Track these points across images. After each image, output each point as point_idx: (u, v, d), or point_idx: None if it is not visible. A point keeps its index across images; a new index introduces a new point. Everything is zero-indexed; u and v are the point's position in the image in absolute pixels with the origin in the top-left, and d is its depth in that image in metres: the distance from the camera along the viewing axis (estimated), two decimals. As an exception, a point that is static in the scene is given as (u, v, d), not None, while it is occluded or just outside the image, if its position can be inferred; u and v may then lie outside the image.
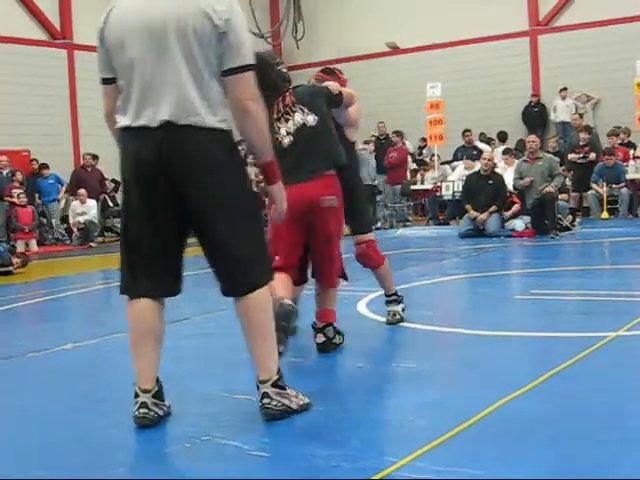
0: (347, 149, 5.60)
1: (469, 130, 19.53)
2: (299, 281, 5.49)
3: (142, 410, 3.85)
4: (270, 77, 5.05)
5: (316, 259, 5.48)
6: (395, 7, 23.27)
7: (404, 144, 20.01)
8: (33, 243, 17.35)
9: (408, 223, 18.80)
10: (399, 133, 19.86)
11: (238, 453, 3.47)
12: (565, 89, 20.52)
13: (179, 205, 3.75)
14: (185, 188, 3.71)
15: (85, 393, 4.75)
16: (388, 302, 6.32)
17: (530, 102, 21.56)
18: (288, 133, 5.15)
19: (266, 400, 3.82)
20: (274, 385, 3.84)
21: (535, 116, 21.35)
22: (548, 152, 15.96)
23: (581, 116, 19.22)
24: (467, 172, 16.29)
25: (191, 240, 3.94)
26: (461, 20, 22.06)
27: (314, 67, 24.45)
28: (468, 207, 14.55)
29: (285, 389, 3.88)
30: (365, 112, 21.90)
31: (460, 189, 16.19)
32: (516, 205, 14.47)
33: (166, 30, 3.66)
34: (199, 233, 3.87)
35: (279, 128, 5.14)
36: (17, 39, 19.14)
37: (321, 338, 5.36)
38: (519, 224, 14.17)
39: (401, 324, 6.20)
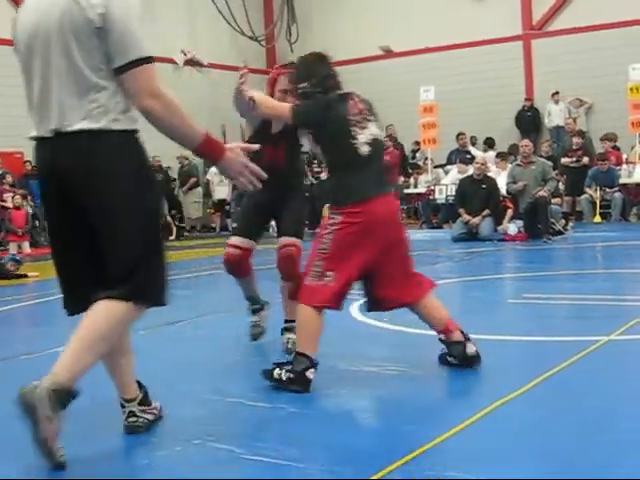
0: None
1: (463, 134, 19.55)
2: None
3: (131, 419, 3.81)
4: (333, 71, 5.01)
5: (396, 276, 4.87)
6: (389, 10, 23.28)
7: (396, 148, 20.08)
8: (26, 245, 17.34)
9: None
10: (391, 137, 19.97)
11: (230, 457, 3.46)
12: (557, 93, 20.56)
13: (80, 217, 3.44)
14: (78, 199, 3.41)
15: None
16: (287, 329, 5.62)
17: (523, 106, 21.59)
18: (366, 143, 4.71)
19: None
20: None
21: (528, 120, 21.38)
22: (541, 156, 15.98)
23: (574, 120, 19.26)
24: (460, 176, 16.30)
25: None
26: (455, 24, 22.08)
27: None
28: (461, 211, 14.56)
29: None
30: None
31: (453, 193, 16.20)
32: (510, 210, 14.47)
33: (49, 29, 3.37)
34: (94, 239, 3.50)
35: (356, 134, 4.70)
36: (9, 40, 19.06)
37: None
38: (512, 228, 14.18)
39: (394, 327, 6.19)
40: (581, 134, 18.06)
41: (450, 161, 19.50)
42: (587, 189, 16.86)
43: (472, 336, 5.73)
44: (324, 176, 17.67)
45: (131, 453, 3.71)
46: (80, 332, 3.37)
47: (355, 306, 7.26)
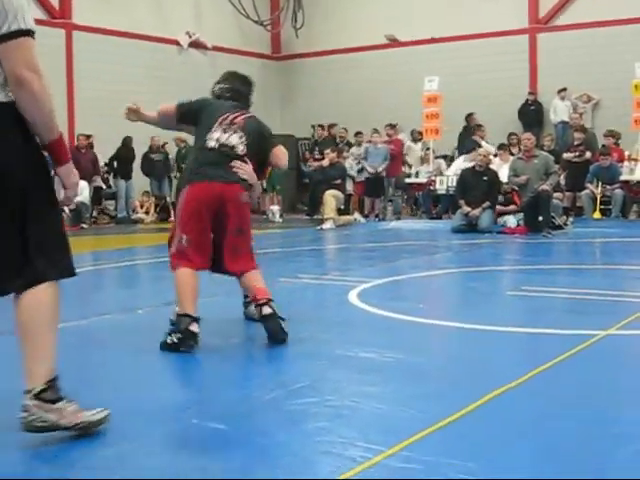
0: None
1: (481, 125, 19.57)
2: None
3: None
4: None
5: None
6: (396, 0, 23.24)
7: (398, 138, 20.13)
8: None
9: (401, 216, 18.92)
10: (393, 126, 19.96)
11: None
12: (564, 89, 20.48)
13: None
14: None
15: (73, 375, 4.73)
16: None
17: (527, 100, 21.53)
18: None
19: (24, 414, 3.33)
20: (37, 397, 3.32)
21: (531, 114, 21.31)
22: (543, 150, 15.91)
23: (581, 116, 19.20)
24: (465, 165, 16.17)
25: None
26: (461, 15, 22.01)
27: (313, 57, 24.74)
28: (461, 202, 14.54)
29: (54, 402, 3.36)
30: (371, 101, 21.86)
31: (454, 184, 16.18)
32: (512, 206, 14.39)
33: None
34: None
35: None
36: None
37: (268, 309, 5.27)
38: (511, 221, 14.17)
39: (392, 315, 6.19)
40: (582, 129, 18.00)
41: (461, 151, 19.37)
42: (588, 185, 16.84)
43: (470, 326, 5.77)
44: (325, 163, 17.66)
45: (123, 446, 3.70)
46: (26, 335, 3.32)
47: (354, 292, 7.27)
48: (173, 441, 3.51)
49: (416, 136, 20.73)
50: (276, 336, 5.24)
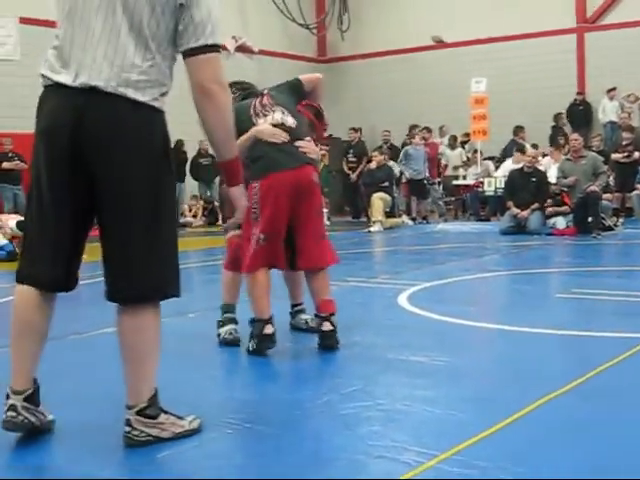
0: None
1: (521, 127, 19.49)
2: None
3: (10, 413, 3.39)
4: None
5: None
6: (443, 0, 23.17)
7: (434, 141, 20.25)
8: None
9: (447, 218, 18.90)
10: (429, 130, 20.03)
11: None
12: (614, 89, 20.28)
13: (87, 183, 3.28)
14: (94, 164, 3.24)
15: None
16: (298, 312, 6.06)
17: (575, 100, 21.37)
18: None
19: (127, 428, 3.42)
20: (140, 413, 3.42)
21: (580, 115, 21.14)
22: (592, 151, 15.77)
23: (629, 115, 18.99)
24: (514, 166, 16.10)
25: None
26: (508, 15, 21.90)
27: (359, 59, 24.73)
28: (510, 204, 14.47)
29: (155, 418, 3.45)
30: (405, 106, 21.84)
31: (502, 185, 16.09)
32: (565, 207, 14.27)
33: None
34: (100, 222, 3.39)
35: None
36: (35, 20, 18.95)
37: (329, 326, 5.23)
38: (560, 222, 14.07)
39: (442, 318, 6.19)
40: (631, 129, 17.80)
41: (505, 155, 19.31)
42: (638, 185, 16.65)
43: (520, 329, 5.75)
44: (373, 166, 17.66)
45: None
46: (132, 356, 3.39)
47: (404, 295, 7.28)
48: (227, 444, 3.55)
49: (452, 142, 20.77)
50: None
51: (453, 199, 20.38)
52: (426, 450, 3.29)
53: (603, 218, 13.72)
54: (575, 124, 20.58)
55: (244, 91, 5.71)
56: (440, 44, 23.61)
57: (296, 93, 5.57)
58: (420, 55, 23.72)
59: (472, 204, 18.75)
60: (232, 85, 5.42)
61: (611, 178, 16.34)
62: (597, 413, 3.82)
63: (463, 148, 21.28)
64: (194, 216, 20.40)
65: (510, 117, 20.01)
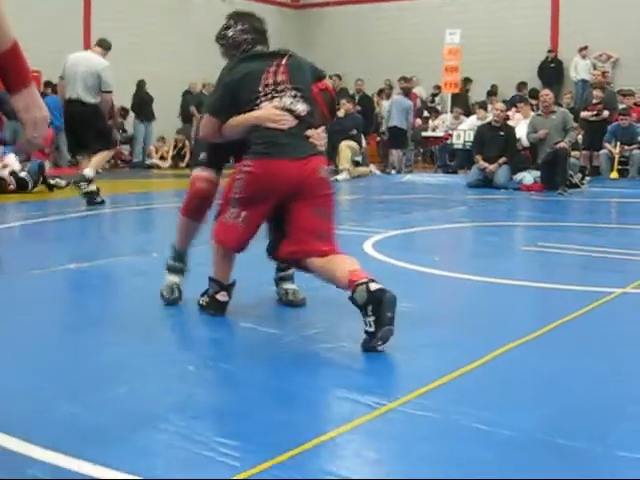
0: None
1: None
2: None
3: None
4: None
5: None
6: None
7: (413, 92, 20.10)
8: (47, 164, 17.41)
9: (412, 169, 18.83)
10: (407, 79, 19.85)
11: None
12: (585, 48, 20.25)
13: None
14: None
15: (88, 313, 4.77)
16: (282, 278, 5.16)
17: (547, 57, 21.32)
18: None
19: None
20: None
21: (551, 72, 21.11)
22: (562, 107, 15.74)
23: (604, 74, 18.93)
24: (479, 122, 16.15)
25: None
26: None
27: (332, 6, 24.48)
28: (478, 157, 14.45)
29: None
30: (389, 53, 21.65)
31: (471, 139, 16.07)
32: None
33: None
34: None
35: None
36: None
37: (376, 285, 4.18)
38: (528, 177, 14.08)
39: (407, 266, 6.17)
40: (602, 87, 17.77)
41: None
42: (606, 144, 16.69)
43: (485, 279, 5.74)
44: (341, 114, 17.54)
45: (141, 368, 3.71)
46: None
47: (369, 242, 7.25)
48: (189, 380, 3.51)
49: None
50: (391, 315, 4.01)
51: (421, 150, 20.33)
52: (388, 393, 3.28)
53: (571, 175, 13.75)
54: (546, 81, 20.51)
55: (256, 35, 4.87)
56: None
57: (315, 76, 4.82)
58: (395, 5, 23.51)
59: (440, 156, 18.72)
60: (240, 19, 4.90)
61: (579, 136, 16.35)
62: (556, 362, 3.82)
63: (433, 101, 21.20)
64: (161, 158, 20.21)
65: (480, 72, 19.94)
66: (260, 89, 4.52)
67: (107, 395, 3.26)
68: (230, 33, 4.86)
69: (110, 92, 10.51)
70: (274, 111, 4.47)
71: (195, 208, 4.96)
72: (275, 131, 4.44)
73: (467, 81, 20.94)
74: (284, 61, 4.62)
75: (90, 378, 3.50)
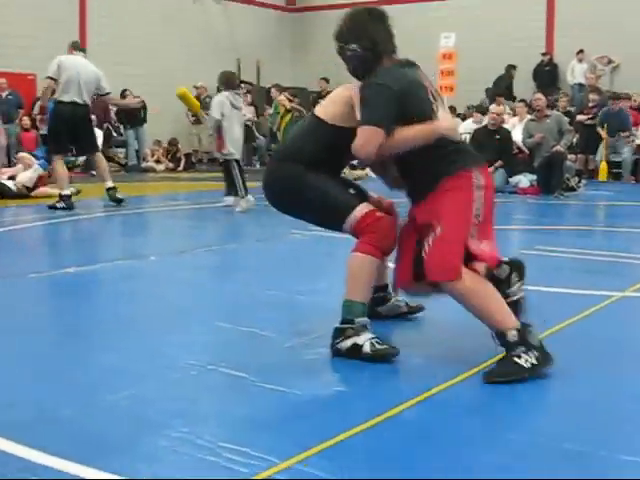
0: None
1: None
2: None
3: None
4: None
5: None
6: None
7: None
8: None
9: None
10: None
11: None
12: (582, 51, 20.25)
13: None
14: None
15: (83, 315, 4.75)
16: None
17: (542, 61, 21.32)
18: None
19: None
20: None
21: (545, 75, 21.11)
22: (557, 111, 15.76)
23: (597, 78, 18.94)
24: (475, 125, 16.16)
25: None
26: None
27: (329, 10, 24.47)
28: (474, 161, 14.42)
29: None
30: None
31: (467, 142, 16.05)
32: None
33: None
34: None
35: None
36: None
37: None
38: (524, 181, 14.09)
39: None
40: (598, 91, 17.79)
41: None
42: (598, 129, 16.70)
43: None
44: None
45: (141, 372, 3.70)
46: None
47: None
48: (191, 386, 3.50)
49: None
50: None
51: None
52: (389, 398, 3.28)
53: (567, 179, 13.76)
54: (541, 85, 20.47)
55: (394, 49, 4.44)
56: (410, -4, 23.41)
57: None
58: (389, 8, 23.41)
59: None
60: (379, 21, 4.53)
61: (575, 139, 16.38)
62: (557, 366, 3.80)
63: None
64: (157, 161, 20.18)
65: (475, 74, 19.93)
66: (429, 95, 4.10)
67: (109, 401, 3.25)
68: (380, 35, 4.54)
69: (110, 92, 11.94)
70: (453, 120, 4.07)
71: (389, 242, 4.22)
72: (457, 141, 4.06)
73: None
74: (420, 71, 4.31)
75: (91, 383, 3.49)
